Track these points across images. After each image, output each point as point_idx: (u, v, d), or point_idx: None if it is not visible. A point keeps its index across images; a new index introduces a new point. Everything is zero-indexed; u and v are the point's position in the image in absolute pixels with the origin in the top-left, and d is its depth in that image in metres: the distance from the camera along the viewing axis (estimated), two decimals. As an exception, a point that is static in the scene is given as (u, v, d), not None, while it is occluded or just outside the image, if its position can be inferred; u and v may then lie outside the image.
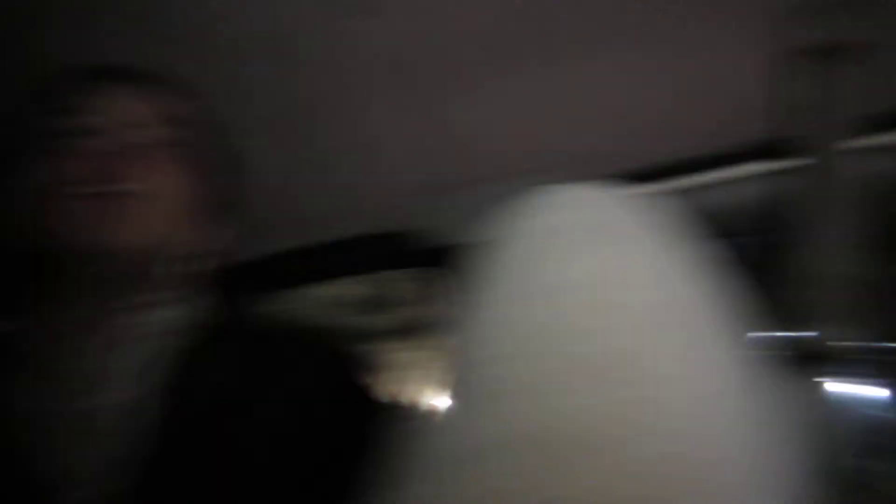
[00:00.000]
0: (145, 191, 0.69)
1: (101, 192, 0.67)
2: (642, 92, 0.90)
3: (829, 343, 0.68)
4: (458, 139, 0.97)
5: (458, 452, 0.32)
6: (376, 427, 0.61)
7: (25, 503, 0.58)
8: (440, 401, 0.37)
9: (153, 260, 0.70)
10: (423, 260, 1.13)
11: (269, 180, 1.00)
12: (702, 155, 0.96)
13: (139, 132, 0.72)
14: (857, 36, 0.76)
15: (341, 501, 0.53)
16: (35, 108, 0.74)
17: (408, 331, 1.53)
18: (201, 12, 0.79)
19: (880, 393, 0.76)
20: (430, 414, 0.40)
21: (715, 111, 0.91)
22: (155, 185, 0.70)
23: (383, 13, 0.77)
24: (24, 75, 0.76)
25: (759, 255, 0.79)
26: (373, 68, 0.85)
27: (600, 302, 0.34)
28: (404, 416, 0.63)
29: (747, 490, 0.30)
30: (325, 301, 1.44)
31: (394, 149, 0.98)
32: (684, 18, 0.79)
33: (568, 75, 0.89)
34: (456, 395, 0.36)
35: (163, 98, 0.77)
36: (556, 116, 0.95)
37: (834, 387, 0.70)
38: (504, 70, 0.88)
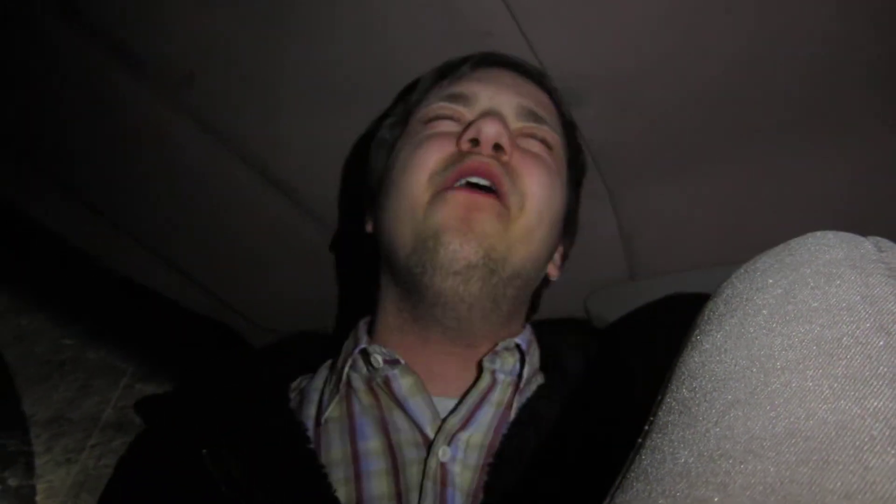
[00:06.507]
0: (532, 197, 0.61)
1: (483, 187, 0.58)
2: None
3: None
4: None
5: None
6: None
7: None
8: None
9: (526, 281, 0.63)
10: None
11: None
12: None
13: (537, 128, 0.65)
14: None
15: None
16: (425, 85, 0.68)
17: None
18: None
19: None
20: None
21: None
22: (541, 193, 0.61)
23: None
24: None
25: None
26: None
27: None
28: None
29: None
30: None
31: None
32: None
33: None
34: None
35: (555, 95, 0.69)
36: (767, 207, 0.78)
37: None
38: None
